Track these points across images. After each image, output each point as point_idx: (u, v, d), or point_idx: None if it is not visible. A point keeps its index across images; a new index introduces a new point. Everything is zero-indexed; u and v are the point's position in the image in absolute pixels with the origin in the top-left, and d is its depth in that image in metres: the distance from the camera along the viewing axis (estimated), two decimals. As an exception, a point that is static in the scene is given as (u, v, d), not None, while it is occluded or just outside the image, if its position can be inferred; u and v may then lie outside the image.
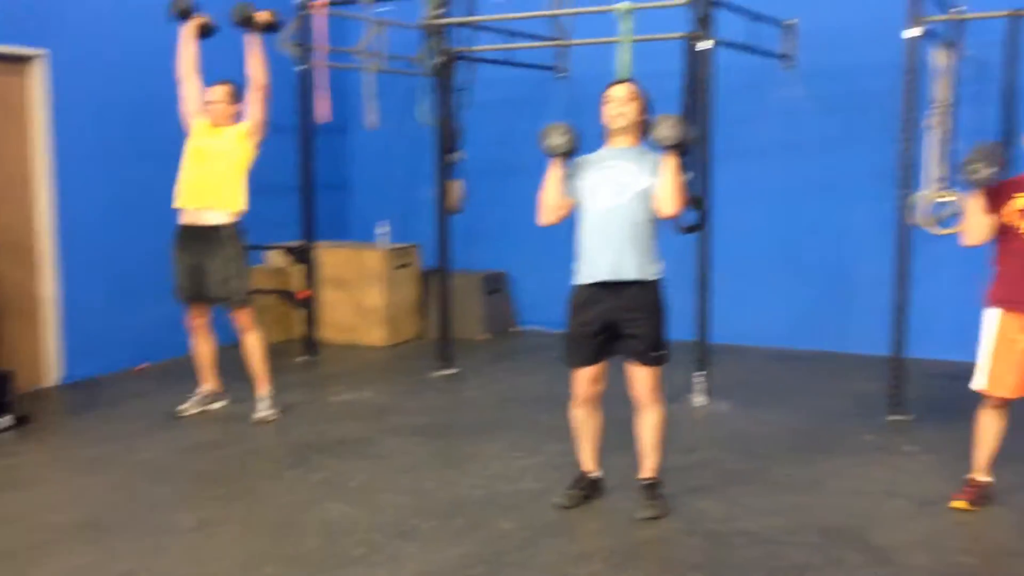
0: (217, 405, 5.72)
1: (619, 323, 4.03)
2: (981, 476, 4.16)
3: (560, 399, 5.77)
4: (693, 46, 5.81)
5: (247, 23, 5.50)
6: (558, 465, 4.68)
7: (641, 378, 4.08)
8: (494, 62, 7.31)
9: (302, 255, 7.19)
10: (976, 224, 3.97)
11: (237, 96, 5.46)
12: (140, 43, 6.66)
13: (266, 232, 7.36)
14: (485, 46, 7.07)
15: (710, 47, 5.71)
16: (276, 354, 7.23)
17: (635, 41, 5.82)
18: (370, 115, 7.18)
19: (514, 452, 4.97)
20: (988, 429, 4.12)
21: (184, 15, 5.49)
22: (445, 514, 4.15)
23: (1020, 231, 3.90)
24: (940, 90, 6.04)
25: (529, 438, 5.18)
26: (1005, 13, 5.30)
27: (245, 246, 5.47)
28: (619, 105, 4.05)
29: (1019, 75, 5.47)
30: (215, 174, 5.37)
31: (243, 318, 5.50)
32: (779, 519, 4.03)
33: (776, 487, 4.43)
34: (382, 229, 7.83)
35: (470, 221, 7.31)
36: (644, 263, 3.99)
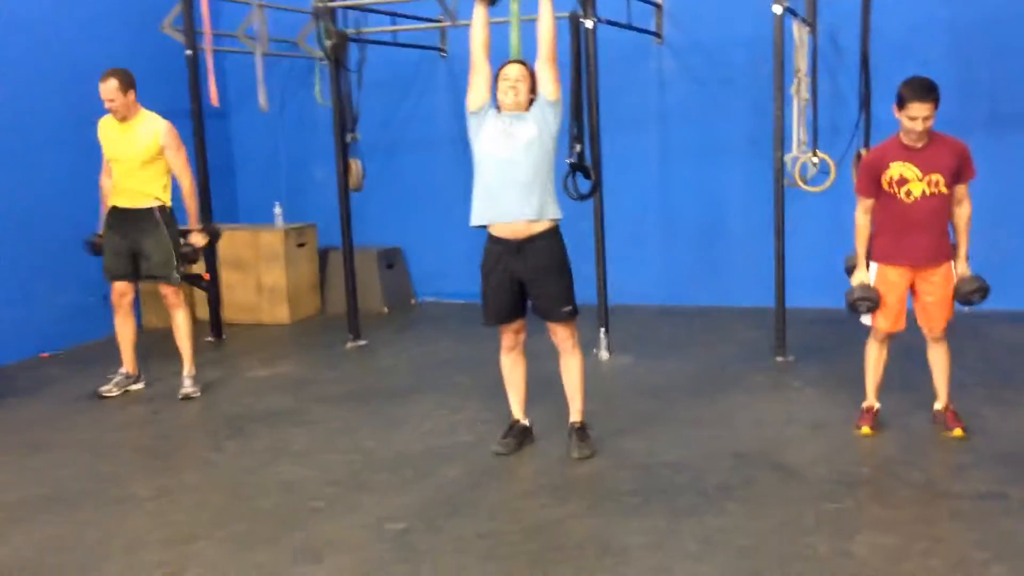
0: (136, 387, 5.78)
1: (527, 283, 4.38)
2: (872, 402, 4.71)
3: (470, 362, 6.20)
4: (578, 24, 6.19)
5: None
6: (484, 420, 5.03)
7: (557, 331, 4.47)
8: (382, 43, 7.51)
9: (201, 238, 7.21)
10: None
11: (127, 83, 5.40)
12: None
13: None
14: (374, 27, 7.27)
15: (593, 25, 6.09)
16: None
17: (523, 20, 6.16)
18: (261, 98, 7.27)
19: (441, 411, 5.27)
20: (875, 358, 4.66)
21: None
22: (392, 468, 4.42)
23: (897, 196, 4.39)
24: (799, 61, 6.62)
25: (451, 398, 5.48)
26: (857, -10, 5.92)
27: (177, 227, 5.61)
28: (512, 83, 4.36)
29: (877, 45, 6.07)
30: (135, 177, 5.48)
31: (175, 296, 5.65)
32: (695, 450, 4.49)
33: (687, 424, 4.89)
34: (277, 210, 7.94)
35: (361, 199, 7.49)
36: (542, 203, 4.29)
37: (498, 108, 4.42)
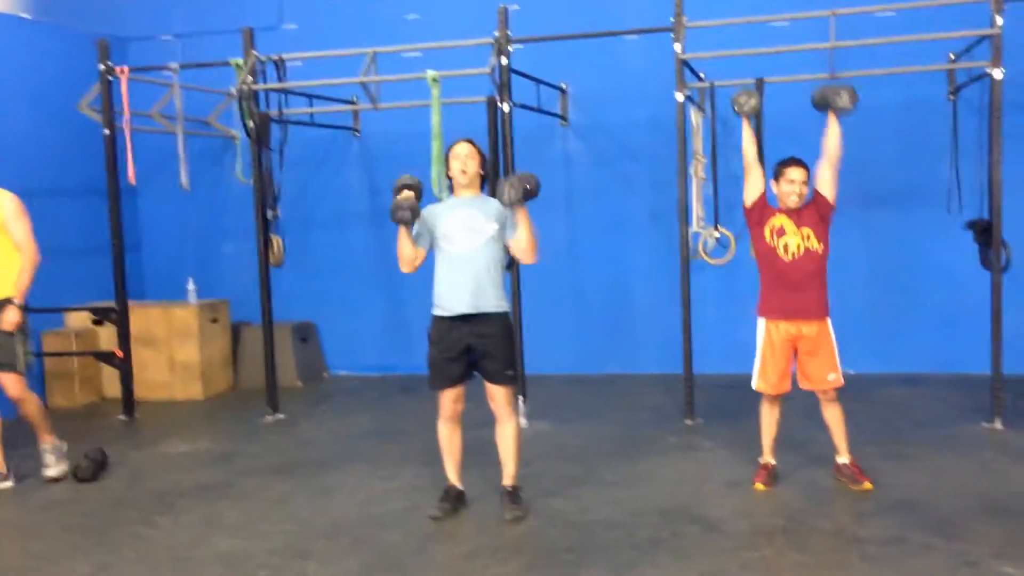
0: (5, 484, 5.43)
1: (475, 347, 4.61)
2: (768, 459, 5.07)
3: (393, 432, 6.35)
4: (495, 108, 6.55)
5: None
6: (417, 486, 5.17)
7: (497, 395, 4.68)
8: (301, 124, 7.72)
9: (114, 315, 7.19)
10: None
11: None
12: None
13: (58, 295, 7.37)
14: (293, 109, 7.47)
15: (509, 109, 6.45)
16: (91, 415, 7.26)
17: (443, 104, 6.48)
18: (183, 176, 7.34)
19: (372, 480, 5.38)
20: (767, 419, 5.06)
21: None
22: (331, 535, 4.51)
23: (775, 250, 4.89)
24: (696, 143, 7.13)
25: (381, 467, 5.60)
26: (752, 81, 6.45)
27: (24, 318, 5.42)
28: (463, 161, 4.67)
29: (763, 130, 6.59)
30: None
31: (16, 386, 5.40)
32: (623, 508, 4.73)
33: (611, 484, 5.14)
34: (191, 286, 7.96)
35: (274, 273, 7.57)
36: (494, 297, 4.62)
37: (454, 190, 4.69)
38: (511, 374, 4.68)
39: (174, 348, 7.73)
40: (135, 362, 7.50)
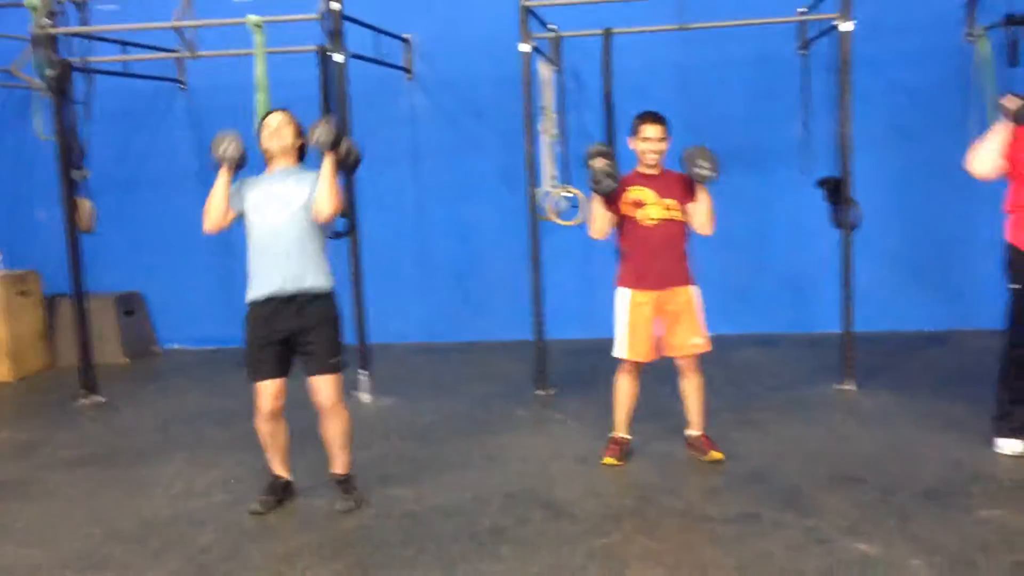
0: None
1: (297, 335, 4.13)
2: (622, 433, 4.81)
3: (222, 414, 5.83)
4: (326, 58, 6.03)
5: None
6: (241, 476, 4.71)
7: (323, 387, 4.17)
8: (113, 73, 6.99)
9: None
10: (599, 220, 4.60)
11: None
12: None
13: None
14: (103, 56, 6.75)
15: (343, 60, 5.94)
16: None
17: (269, 53, 5.91)
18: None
19: (192, 469, 4.88)
20: (625, 391, 4.76)
21: None
22: (137, 538, 4.02)
23: (637, 219, 4.58)
24: (547, 98, 6.78)
25: (203, 454, 5.10)
26: (600, 32, 6.12)
27: None
28: (276, 131, 4.16)
29: (614, 84, 6.30)
30: None
31: None
32: (465, 492, 4.39)
33: (455, 466, 4.79)
34: (-6, 255, 7.19)
35: (94, 240, 6.89)
36: (314, 274, 4.12)
37: (268, 164, 4.19)
38: (335, 361, 4.19)
39: (-24, 325, 6.96)
40: (-70, 342, 6.74)
